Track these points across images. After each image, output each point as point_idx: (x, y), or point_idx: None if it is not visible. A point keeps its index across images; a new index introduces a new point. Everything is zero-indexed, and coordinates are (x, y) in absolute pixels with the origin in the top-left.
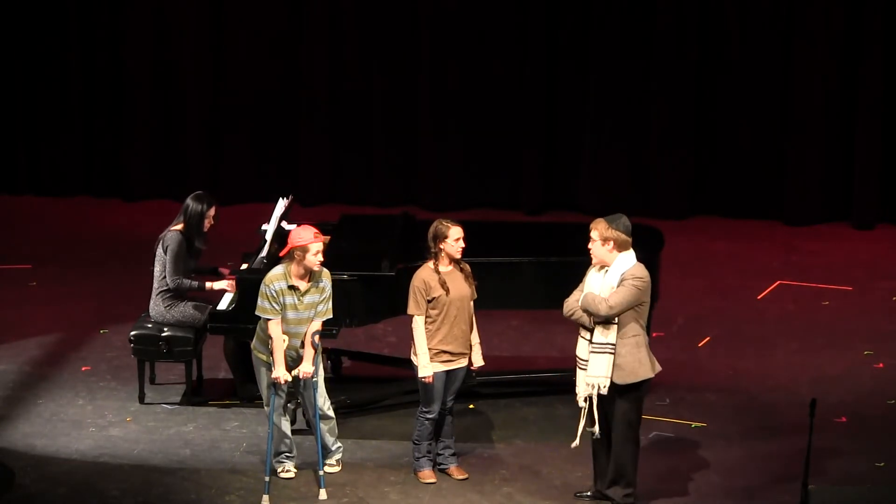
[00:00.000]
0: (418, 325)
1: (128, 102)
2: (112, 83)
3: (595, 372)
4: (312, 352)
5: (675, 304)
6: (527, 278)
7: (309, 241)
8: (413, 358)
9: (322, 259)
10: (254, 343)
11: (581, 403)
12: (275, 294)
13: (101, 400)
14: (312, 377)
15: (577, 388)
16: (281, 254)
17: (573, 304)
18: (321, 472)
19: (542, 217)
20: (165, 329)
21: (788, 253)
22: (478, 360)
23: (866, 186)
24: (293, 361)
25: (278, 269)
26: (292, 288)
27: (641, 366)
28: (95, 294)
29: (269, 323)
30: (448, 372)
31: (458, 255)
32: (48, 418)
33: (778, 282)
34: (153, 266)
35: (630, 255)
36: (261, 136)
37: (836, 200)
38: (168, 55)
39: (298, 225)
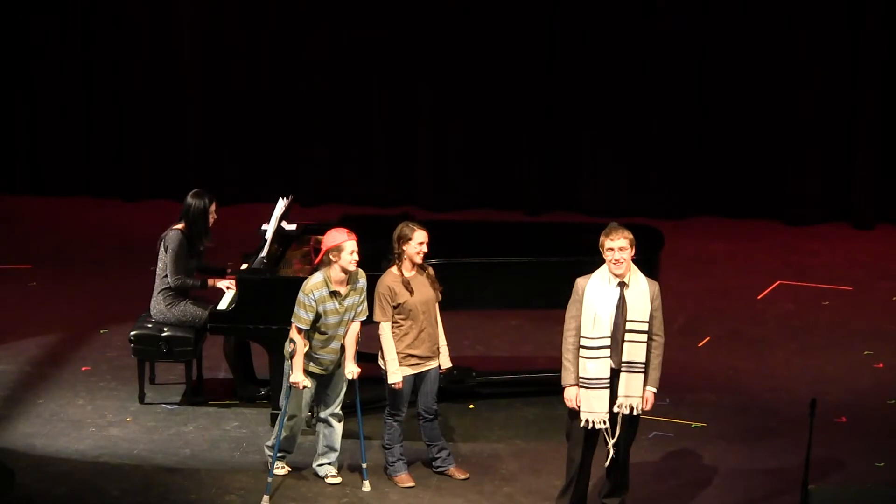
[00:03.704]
0: (385, 331)
1: (128, 102)
2: (112, 83)
3: (631, 392)
4: (354, 351)
5: (675, 304)
6: (527, 278)
7: (343, 240)
8: (381, 363)
9: (358, 258)
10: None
11: (601, 426)
12: (314, 303)
13: (101, 400)
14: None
15: (599, 412)
16: (316, 261)
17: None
18: (364, 466)
19: (542, 217)
20: (165, 329)
21: (788, 253)
22: (445, 363)
23: (866, 186)
24: (332, 364)
25: (317, 277)
26: (334, 294)
27: None
28: (95, 294)
29: (298, 331)
30: (416, 375)
31: (419, 260)
32: (48, 418)
33: (778, 282)
34: (154, 265)
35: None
36: (261, 136)
37: (836, 200)
38: (168, 55)
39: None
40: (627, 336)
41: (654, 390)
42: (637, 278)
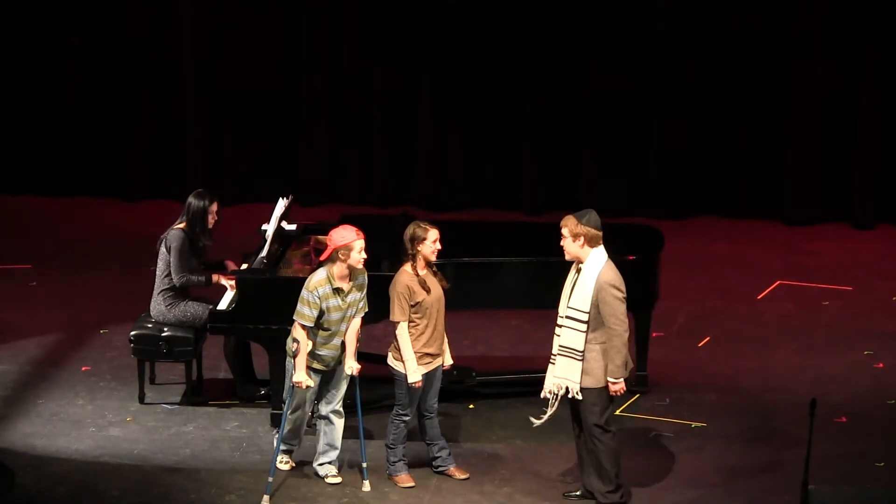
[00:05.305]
0: (403, 330)
1: (127, 102)
2: (112, 83)
3: (563, 374)
4: (354, 347)
5: (675, 304)
6: (527, 278)
7: (352, 239)
8: (393, 363)
9: (366, 257)
10: (294, 348)
11: (545, 395)
12: (317, 300)
13: (101, 400)
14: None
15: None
16: (322, 257)
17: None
18: (364, 465)
19: (542, 217)
20: (165, 329)
21: (788, 253)
22: (448, 360)
23: (865, 187)
24: (333, 360)
25: (320, 274)
26: (337, 290)
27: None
28: (95, 294)
29: (302, 328)
30: (428, 373)
31: (434, 258)
32: (48, 418)
33: (778, 282)
34: (154, 265)
35: (601, 252)
36: (261, 136)
37: (836, 200)
38: (168, 55)
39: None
40: (565, 322)
41: (614, 381)
42: (591, 268)
